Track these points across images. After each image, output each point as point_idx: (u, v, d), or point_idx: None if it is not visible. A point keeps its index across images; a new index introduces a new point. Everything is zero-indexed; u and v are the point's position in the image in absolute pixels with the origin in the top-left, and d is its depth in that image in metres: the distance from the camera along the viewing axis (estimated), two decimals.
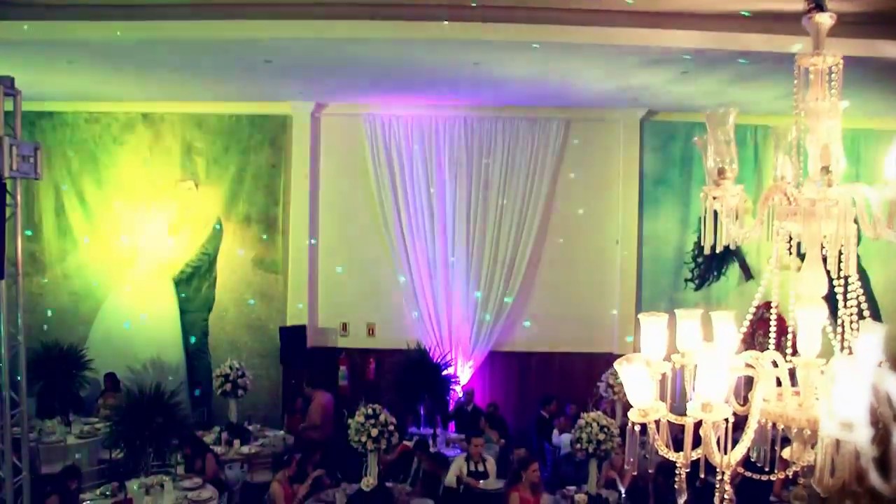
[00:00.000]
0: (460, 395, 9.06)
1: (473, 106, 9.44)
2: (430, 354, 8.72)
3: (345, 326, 9.75)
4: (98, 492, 6.59)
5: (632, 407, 2.20)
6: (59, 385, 8.48)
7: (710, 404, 1.74)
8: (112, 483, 6.68)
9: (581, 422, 6.35)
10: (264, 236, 9.70)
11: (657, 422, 1.93)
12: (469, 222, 9.58)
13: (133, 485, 6.49)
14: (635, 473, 1.94)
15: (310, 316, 9.63)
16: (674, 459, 1.93)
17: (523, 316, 9.81)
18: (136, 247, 9.75)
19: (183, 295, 9.65)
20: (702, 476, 1.81)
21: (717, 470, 1.81)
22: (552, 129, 9.61)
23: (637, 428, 1.89)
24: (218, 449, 7.54)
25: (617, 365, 1.95)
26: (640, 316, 2.14)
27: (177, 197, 9.71)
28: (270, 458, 7.69)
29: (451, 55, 7.01)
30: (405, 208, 9.55)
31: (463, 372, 9.51)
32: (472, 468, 6.80)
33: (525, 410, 9.31)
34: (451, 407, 8.93)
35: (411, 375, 8.43)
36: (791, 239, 2.14)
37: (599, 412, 6.59)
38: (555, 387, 9.17)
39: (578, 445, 6.40)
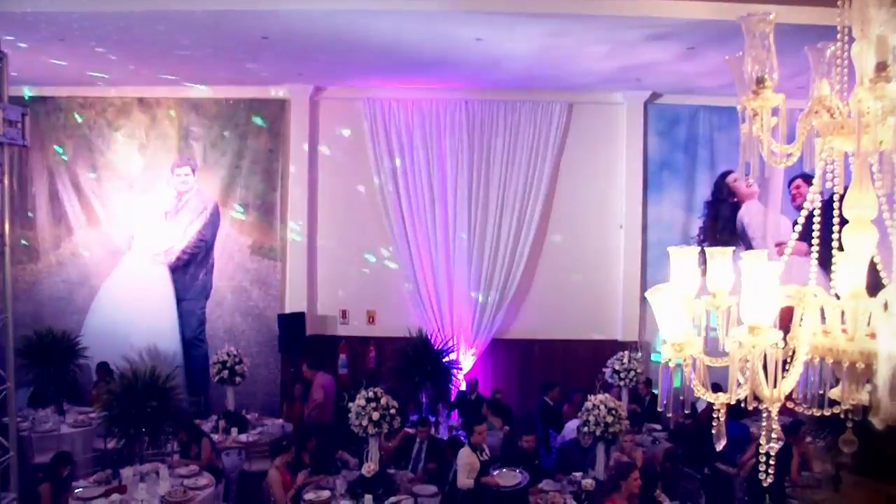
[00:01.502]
0: (463, 385, 8.89)
1: (475, 89, 9.27)
2: (432, 341, 8.54)
3: (344, 314, 9.58)
4: (91, 479, 6.42)
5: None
6: (52, 373, 8.30)
7: (759, 327, 1.57)
8: (105, 471, 6.53)
9: (588, 404, 6.18)
10: (262, 222, 9.52)
11: (693, 361, 1.75)
12: (470, 208, 9.42)
13: (127, 472, 6.32)
14: (670, 415, 1.76)
15: (308, 303, 9.45)
16: (712, 400, 1.76)
17: (526, 303, 9.65)
18: (131, 233, 9.58)
19: (179, 282, 9.47)
20: (751, 407, 1.63)
21: (763, 406, 1.64)
22: (554, 112, 9.45)
23: (672, 365, 1.71)
24: (215, 437, 7.36)
25: (649, 294, 1.78)
26: (669, 249, 1.97)
27: (173, 183, 9.54)
28: (268, 446, 7.51)
29: (452, 30, 6.83)
30: (405, 193, 9.39)
31: (465, 360, 9.34)
32: (479, 458, 6.44)
33: (528, 398, 9.14)
34: (454, 396, 8.76)
35: (412, 363, 8.26)
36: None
37: (607, 395, 6.43)
38: (558, 375, 9.00)
39: (585, 429, 6.23)
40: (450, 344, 8.79)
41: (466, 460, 6.30)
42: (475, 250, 9.43)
